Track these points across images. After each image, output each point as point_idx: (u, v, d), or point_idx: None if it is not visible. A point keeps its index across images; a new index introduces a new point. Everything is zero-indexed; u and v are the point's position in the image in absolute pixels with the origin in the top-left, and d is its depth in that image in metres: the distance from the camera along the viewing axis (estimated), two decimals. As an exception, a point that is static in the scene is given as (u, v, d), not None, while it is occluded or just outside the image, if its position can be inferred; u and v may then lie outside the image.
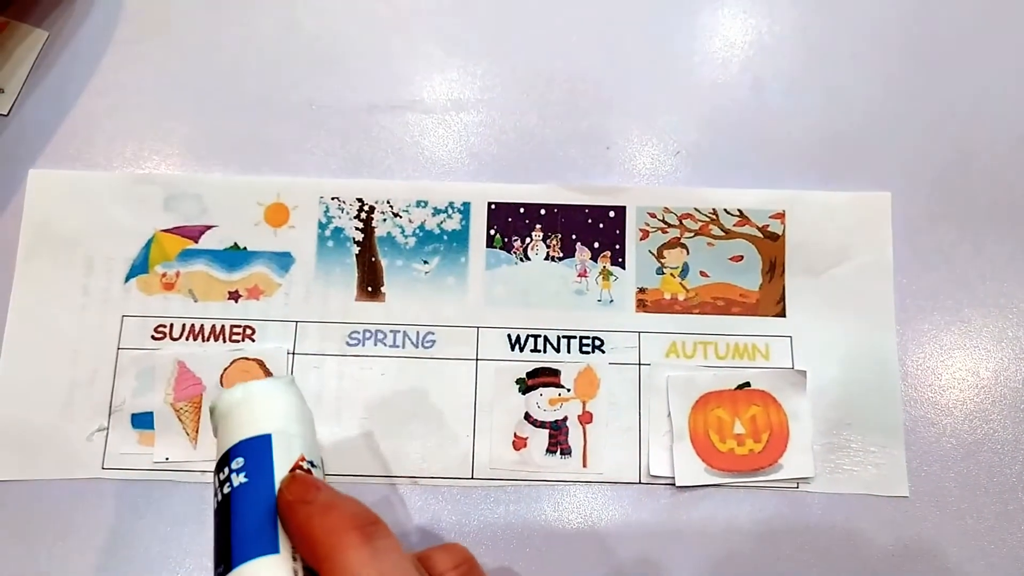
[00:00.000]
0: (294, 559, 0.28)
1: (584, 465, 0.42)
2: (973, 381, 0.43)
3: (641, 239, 0.44)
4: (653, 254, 0.44)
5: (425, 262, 0.44)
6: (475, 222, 0.44)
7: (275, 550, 0.28)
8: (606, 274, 0.44)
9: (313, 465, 0.30)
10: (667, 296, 0.44)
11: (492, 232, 0.44)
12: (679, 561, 0.41)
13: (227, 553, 0.28)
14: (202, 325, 0.43)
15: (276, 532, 0.28)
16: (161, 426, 0.41)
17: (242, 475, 0.29)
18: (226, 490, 0.29)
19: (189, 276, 0.43)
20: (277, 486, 0.29)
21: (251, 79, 0.46)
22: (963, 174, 0.45)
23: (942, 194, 0.45)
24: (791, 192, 0.44)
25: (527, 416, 0.42)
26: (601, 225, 0.44)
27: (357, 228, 0.44)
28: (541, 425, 0.42)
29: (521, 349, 0.43)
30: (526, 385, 0.42)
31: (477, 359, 0.43)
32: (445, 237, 0.44)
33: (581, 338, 0.43)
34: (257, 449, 0.30)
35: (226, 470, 0.29)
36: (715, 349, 0.43)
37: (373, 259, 0.44)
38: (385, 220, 0.44)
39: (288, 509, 0.28)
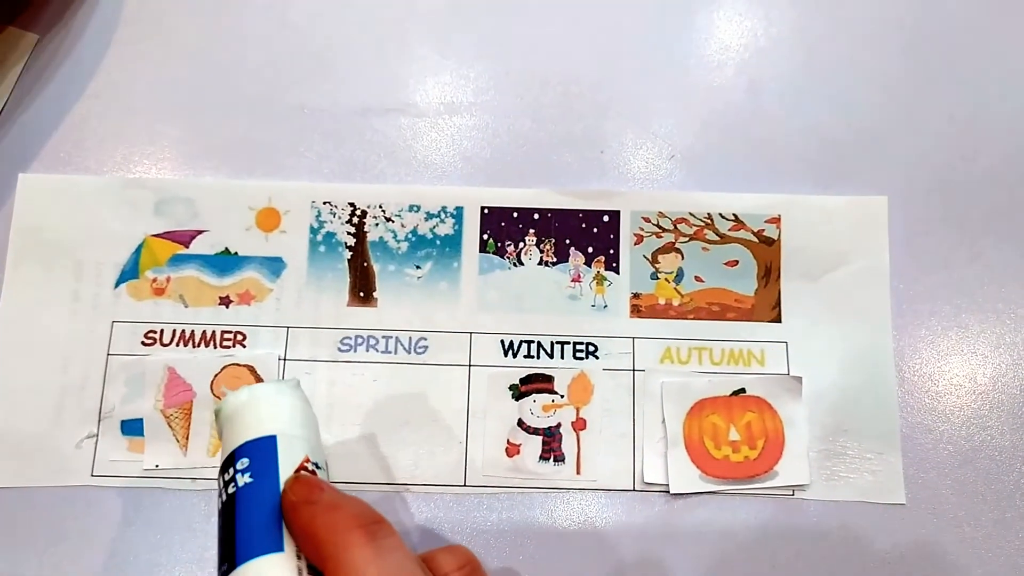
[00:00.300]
0: (298, 558, 0.28)
1: (578, 472, 0.41)
2: (970, 387, 0.42)
3: (635, 244, 0.44)
4: (647, 259, 0.44)
5: (417, 267, 0.43)
6: (468, 227, 0.44)
7: (279, 548, 0.28)
8: (600, 279, 0.43)
9: (318, 467, 0.31)
10: (661, 301, 0.43)
11: (485, 237, 0.44)
12: (674, 569, 0.40)
13: (231, 551, 0.28)
14: (192, 331, 0.42)
15: (280, 531, 0.28)
16: (151, 433, 0.41)
17: (247, 475, 0.29)
18: (231, 490, 0.29)
19: (180, 281, 0.43)
20: (282, 486, 0.29)
21: (243, 82, 0.46)
22: (961, 178, 0.44)
23: (939, 198, 0.44)
24: (787, 196, 0.44)
25: (520, 423, 0.42)
26: (595, 230, 0.44)
27: (349, 233, 0.44)
28: (534, 432, 0.42)
29: (514, 355, 0.42)
30: (519, 391, 0.42)
31: (470, 365, 0.42)
32: (438, 242, 0.44)
33: (575, 344, 0.43)
34: (262, 450, 0.30)
35: (231, 470, 0.30)
36: (710, 355, 0.43)
37: (365, 264, 0.43)
38: (377, 225, 0.44)
39: (292, 509, 0.28)
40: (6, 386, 0.42)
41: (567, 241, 0.44)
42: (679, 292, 0.43)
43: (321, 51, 0.46)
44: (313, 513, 0.28)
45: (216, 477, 0.30)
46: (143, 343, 0.42)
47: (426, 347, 0.43)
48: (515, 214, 0.44)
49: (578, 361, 0.42)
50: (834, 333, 0.43)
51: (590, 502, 0.41)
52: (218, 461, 0.40)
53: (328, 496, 0.29)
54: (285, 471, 0.30)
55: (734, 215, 0.44)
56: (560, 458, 0.41)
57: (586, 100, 0.46)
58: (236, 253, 0.43)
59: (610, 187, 0.44)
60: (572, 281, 0.43)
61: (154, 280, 0.43)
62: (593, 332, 0.43)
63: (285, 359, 0.42)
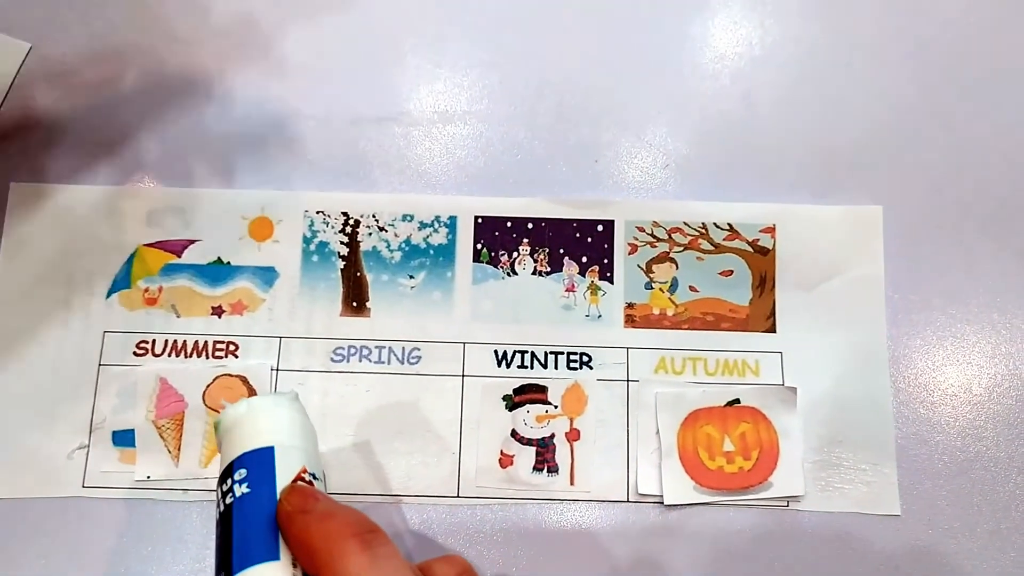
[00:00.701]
0: (294, 566, 0.28)
1: (571, 483, 0.41)
2: (966, 398, 0.42)
3: (630, 253, 0.44)
4: (642, 268, 0.44)
5: (411, 277, 0.43)
6: (461, 236, 0.44)
7: (275, 557, 0.28)
8: (594, 289, 0.43)
9: (315, 477, 0.31)
10: (656, 311, 0.43)
11: (479, 246, 0.44)
12: (668, 580, 0.40)
13: (228, 560, 0.28)
14: (184, 341, 0.42)
15: (277, 540, 0.29)
16: (143, 444, 0.41)
17: (244, 485, 0.30)
18: (228, 500, 0.30)
19: (172, 291, 0.43)
20: (279, 496, 0.29)
21: (235, 90, 0.46)
22: (956, 188, 0.44)
23: (934, 208, 0.44)
24: (782, 206, 0.44)
25: (514, 433, 0.42)
26: (589, 239, 0.44)
27: (342, 242, 0.44)
28: (528, 442, 0.42)
29: (508, 365, 0.42)
30: (513, 402, 0.42)
31: (463, 375, 0.42)
32: (431, 251, 0.44)
33: (569, 354, 0.42)
34: (260, 461, 0.30)
35: (229, 481, 0.30)
36: (704, 365, 0.42)
37: (358, 274, 0.43)
38: (371, 234, 0.44)
39: (287, 518, 0.28)
40: (-3, 397, 0.41)
41: (561, 251, 0.44)
42: (673, 302, 0.43)
43: (314, 60, 0.46)
44: (308, 522, 0.28)
45: (215, 488, 0.31)
46: (135, 353, 0.42)
47: (419, 357, 0.42)
48: (509, 223, 0.44)
49: (572, 371, 0.42)
50: (829, 343, 0.42)
51: (584, 513, 0.41)
52: (214, 472, 0.40)
53: (323, 505, 0.29)
54: (282, 481, 0.30)
55: (729, 225, 0.44)
56: (554, 469, 0.41)
57: (580, 109, 0.46)
58: (229, 263, 0.43)
59: (604, 196, 0.44)
60: (566, 291, 0.43)
61: (146, 290, 0.43)
62: (587, 342, 0.43)
63: (278, 369, 0.42)
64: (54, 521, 0.40)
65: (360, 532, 0.28)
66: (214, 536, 0.30)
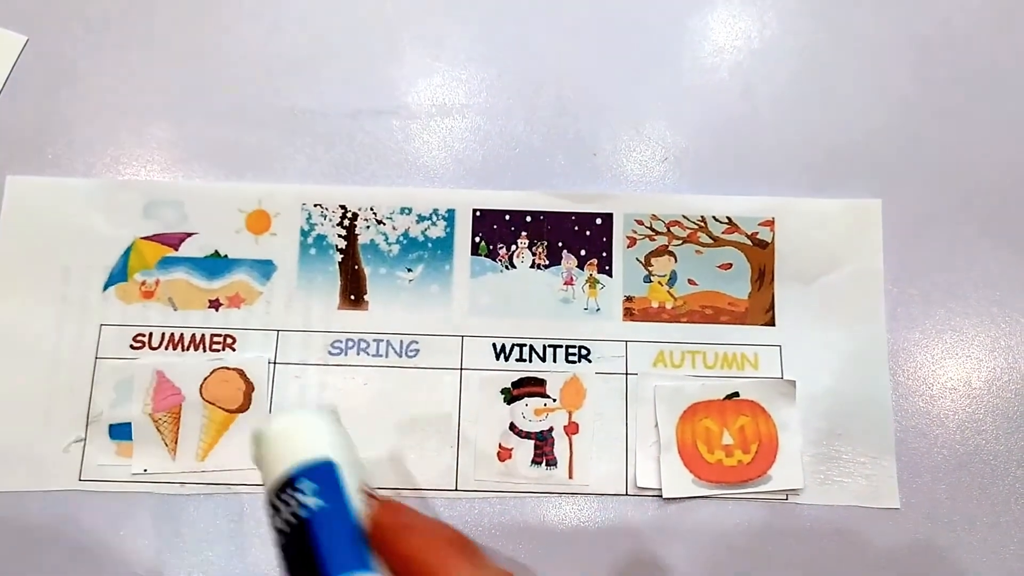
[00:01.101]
0: None
1: (570, 476, 0.41)
2: (965, 391, 0.42)
3: (628, 247, 0.44)
4: (640, 262, 0.43)
5: (409, 270, 0.43)
6: (460, 229, 0.44)
7: (368, 568, 0.28)
8: (593, 282, 0.43)
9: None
10: (655, 304, 0.43)
11: (477, 239, 0.43)
12: (667, 574, 0.40)
13: (317, 572, 0.28)
14: (182, 334, 0.42)
15: (365, 552, 0.28)
16: (139, 437, 0.41)
17: (318, 499, 0.29)
18: (304, 514, 0.29)
19: (169, 284, 0.43)
20: (352, 510, 0.29)
21: (233, 84, 0.45)
22: (955, 181, 0.44)
23: (933, 201, 0.44)
24: (781, 199, 0.44)
25: (512, 427, 0.41)
26: (588, 232, 0.44)
27: (340, 235, 0.43)
28: (526, 436, 0.41)
29: (506, 358, 0.42)
30: (511, 395, 0.42)
31: (461, 368, 0.42)
32: (429, 244, 0.43)
33: (567, 347, 0.42)
34: (325, 474, 0.30)
35: (297, 495, 0.29)
36: (703, 358, 0.42)
37: (356, 267, 0.43)
38: (368, 227, 0.44)
39: (388, 531, 0.28)
40: (-7, 390, 0.41)
41: (560, 244, 0.43)
42: (672, 295, 0.43)
43: (312, 53, 0.46)
44: (408, 535, 0.28)
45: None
46: (132, 346, 0.42)
47: (417, 350, 0.42)
48: (507, 216, 0.44)
49: (570, 364, 0.42)
50: (828, 337, 0.42)
51: (582, 507, 0.41)
52: (212, 466, 0.40)
53: (417, 518, 0.29)
54: (350, 494, 0.29)
55: (728, 218, 0.44)
56: (552, 462, 0.41)
57: (579, 102, 0.45)
58: (226, 256, 0.43)
59: (603, 190, 0.44)
60: (565, 284, 0.43)
61: (143, 283, 0.43)
62: (586, 335, 0.42)
63: (275, 362, 0.42)
64: (50, 514, 0.40)
65: (461, 546, 0.28)
66: (274, 550, 0.30)
